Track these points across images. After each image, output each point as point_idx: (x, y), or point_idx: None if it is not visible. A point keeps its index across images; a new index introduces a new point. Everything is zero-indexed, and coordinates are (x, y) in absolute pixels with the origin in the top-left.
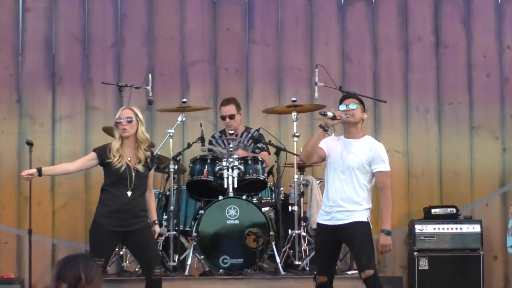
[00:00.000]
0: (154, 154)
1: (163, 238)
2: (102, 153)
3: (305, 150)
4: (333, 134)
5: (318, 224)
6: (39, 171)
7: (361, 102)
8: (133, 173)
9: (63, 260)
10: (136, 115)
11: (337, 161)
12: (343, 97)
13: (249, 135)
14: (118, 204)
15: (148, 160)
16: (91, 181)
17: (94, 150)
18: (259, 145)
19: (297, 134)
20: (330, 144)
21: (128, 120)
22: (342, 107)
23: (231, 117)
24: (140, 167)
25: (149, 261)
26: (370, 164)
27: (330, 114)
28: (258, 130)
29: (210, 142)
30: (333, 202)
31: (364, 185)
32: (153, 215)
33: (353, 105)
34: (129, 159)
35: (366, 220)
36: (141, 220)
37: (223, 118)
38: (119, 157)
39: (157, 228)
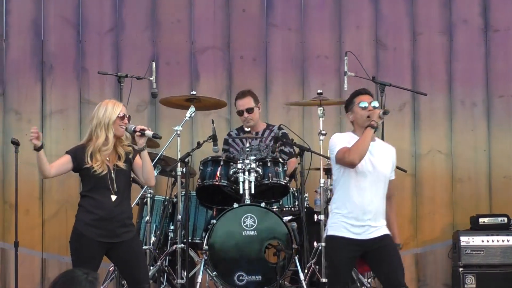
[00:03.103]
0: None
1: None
2: (78, 157)
3: (361, 154)
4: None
5: (338, 237)
6: (41, 147)
7: None
8: (113, 174)
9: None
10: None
11: (366, 166)
12: (358, 93)
13: (272, 134)
14: (102, 211)
15: (130, 156)
16: None
17: (68, 152)
18: (287, 149)
19: (323, 132)
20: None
21: (128, 117)
22: (363, 104)
23: (249, 110)
24: (121, 164)
25: (137, 277)
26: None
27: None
28: (279, 128)
29: (226, 142)
30: (364, 212)
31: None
32: None
33: (375, 103)
34: (108, 158)
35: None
36: (129, 229)
37: (240, 113)
38: (101, 162)
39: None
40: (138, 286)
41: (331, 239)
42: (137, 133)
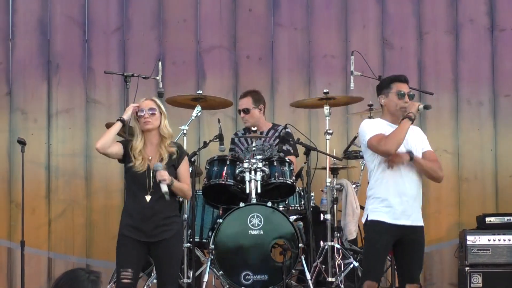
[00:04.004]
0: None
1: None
2: (127, 150)
3: (398, 143)
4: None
5: (381, 222)
6: (123, 122)
7: None
8: (151, 174)
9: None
10: (159, 107)
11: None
12: (397, 80)
13: (277, 134)
14: (138, 213)
15: (174, 157)
16: (93, 187)
17: (122, 142)
18: (285, 147)
19: (329, 131)
20: (386, 130)
21: (152, 112)
22: (401, 93)
23: (246, 111)
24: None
25: (164, 279)
26: None
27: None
28: (285, 127)
29: (232, 141)
30: (401, 199)
31: None
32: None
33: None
34: (150, 158)
35: None
36: (167, 228)
37: (239, 112)
38: (141, 160)
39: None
40: (163, 286)
41: (374, 223)
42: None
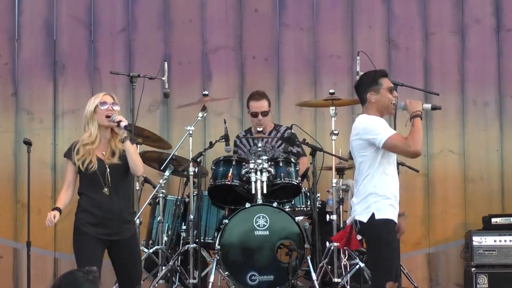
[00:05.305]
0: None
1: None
2: (70, 156)
3: (421, 144)
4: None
5: (392, 221)
6: (59, 210)
7: None
8: (107, 170)
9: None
10: (117, 102)
11: (394, 154)
12: (384, 74)
13: (279, 134)
14: (100, 210)
15: (124, 154)
16: None
17: (65, 156)
18: (295, 149)
19: (335, 132)
20: None
21: (114, 106)
22: (392, 88)
23: (264, 113)
24: (115, 160)
25: (130, 279)
26: None
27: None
28: (290, 128)
29: (235, 144)
30: (396, 197)
31: None
32: None
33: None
34: (103, 153)
35: None
36: (129, 226)
37: (254, 114)
38: (82, 155)
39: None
40: (131, 286)
41: (386, 222)
42: (115, 124)
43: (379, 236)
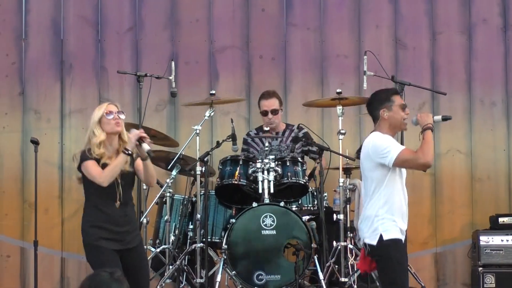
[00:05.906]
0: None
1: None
2: (87, 157)
3: (431, 155)
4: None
5: (401, 240)
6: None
7: None
8: (119, 180)
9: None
10: (122, 111)
11: (404, 169)
12: (396, 92)
13: (293, 134)
14: (114, 225)
15: (134, 156)
16: None
17: (82, 159)
18: (314, 148)
19: (342, 131)
20: None
21: (120, 114)
22: (404, 105)
23: (274, 112)
24: (127, 167)
25: (139, 285)
26: None
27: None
28: (298, 127)
29: (245, 142)
30: (404, 215)
31: None
32: None
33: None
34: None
35: None
36: (137, 233)
37: (265, 113)
38: (103, 155)
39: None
40: None
41: (395, 242)
42: (136, 142)
43: (389, 256)
